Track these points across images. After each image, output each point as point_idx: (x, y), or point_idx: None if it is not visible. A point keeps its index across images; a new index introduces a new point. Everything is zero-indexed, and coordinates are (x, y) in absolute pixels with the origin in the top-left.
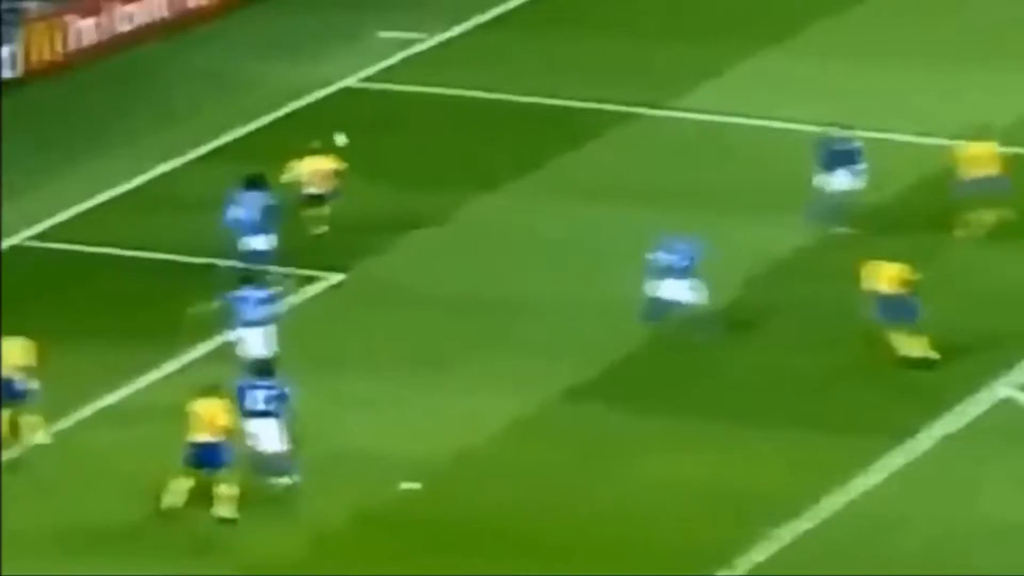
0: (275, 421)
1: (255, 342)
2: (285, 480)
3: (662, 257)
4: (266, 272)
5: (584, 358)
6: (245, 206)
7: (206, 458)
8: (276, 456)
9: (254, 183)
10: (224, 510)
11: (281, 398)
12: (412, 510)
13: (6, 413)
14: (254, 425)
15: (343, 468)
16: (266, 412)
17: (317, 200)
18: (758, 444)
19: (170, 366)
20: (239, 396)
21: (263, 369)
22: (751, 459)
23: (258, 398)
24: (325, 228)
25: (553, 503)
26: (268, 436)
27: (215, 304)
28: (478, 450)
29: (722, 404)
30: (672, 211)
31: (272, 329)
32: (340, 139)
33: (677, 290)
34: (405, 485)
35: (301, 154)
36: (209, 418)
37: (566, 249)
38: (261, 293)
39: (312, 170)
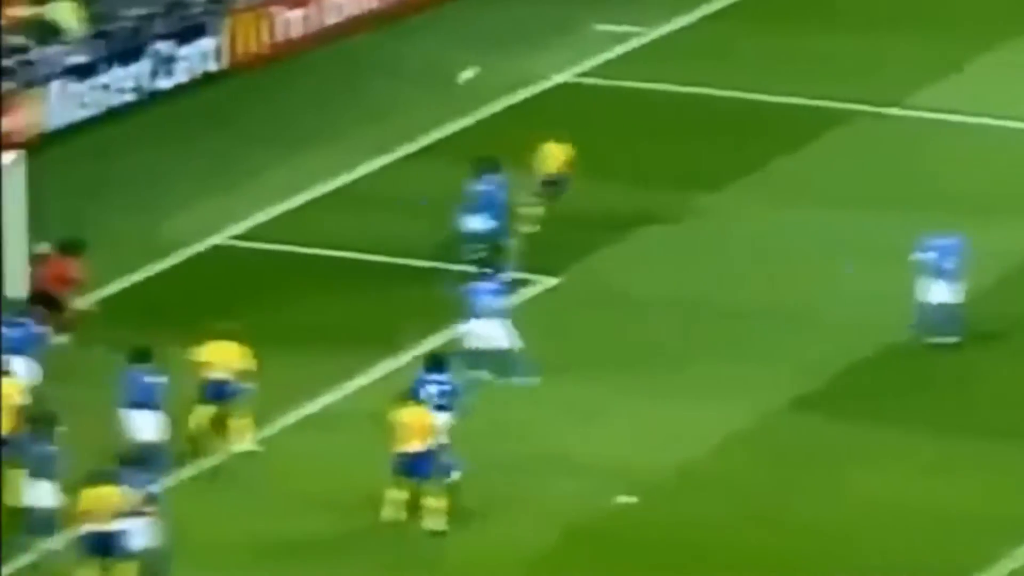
0: (447, 416)
1: (496, 334)
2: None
3: (929, 258)
4: (496, 259)
5: (809, 367)
6: (478, 189)
7: (415, 468)
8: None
9: (488, 167)
10: (434, 522)
11: (453, 393)
12: (627, 524)
13: (211, 412)
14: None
15: (557, 478)
16: (440, 407)
17: (553, 187)
18: (997, 460)
19: (376, 372)
20: (413, 390)
21: (474, 363)
22: (988, 476)
23: (432, 393)
24: (536, 227)
25: (773, 518)
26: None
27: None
28: (696, 463)
29: (959, 417)
30: (903, 214)
31: (508, 321)
32: (467, 74)
33: (943, 292)
34: (621, 499)
35: (524, 147)
36: (418, 426)
37: (789, 253)
38: (493, 284)
39: (550, 156)
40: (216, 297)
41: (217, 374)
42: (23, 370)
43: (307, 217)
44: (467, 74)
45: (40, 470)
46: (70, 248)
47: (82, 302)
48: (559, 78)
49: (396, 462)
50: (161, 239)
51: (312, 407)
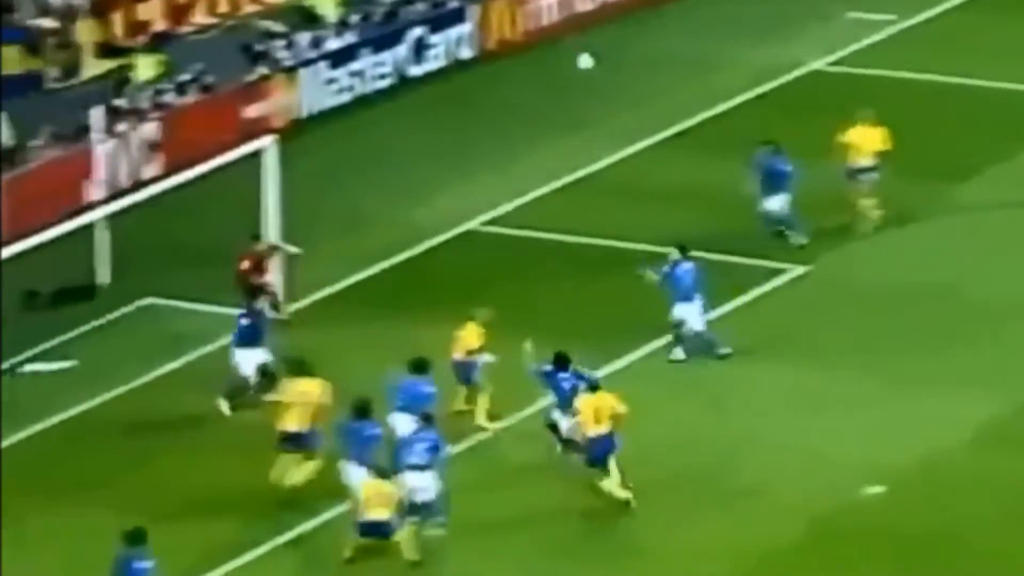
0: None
1: (695, 315)
2: None
3: None
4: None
5: None
6: (766, 168)
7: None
8: None
9: (774, 147)
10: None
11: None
12: (873, 518)
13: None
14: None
15: (800, 469)
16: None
17: (862, 173)
18: None
19: (622, 360)
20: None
21: None
22: None
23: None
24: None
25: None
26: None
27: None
28: (947, 455)
29: None
30: None
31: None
32: (585, 60)
33: None
34: (869, 490)
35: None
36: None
37: None
38: (690, 267)
39: (861, 140)
40: (465, 283)
41: (466, 356)
42: (254, 360)
43: (556, 204)
44: (585, 61)
45: (361, 456)
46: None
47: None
48: (811, 66)
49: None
50: (412, 224)
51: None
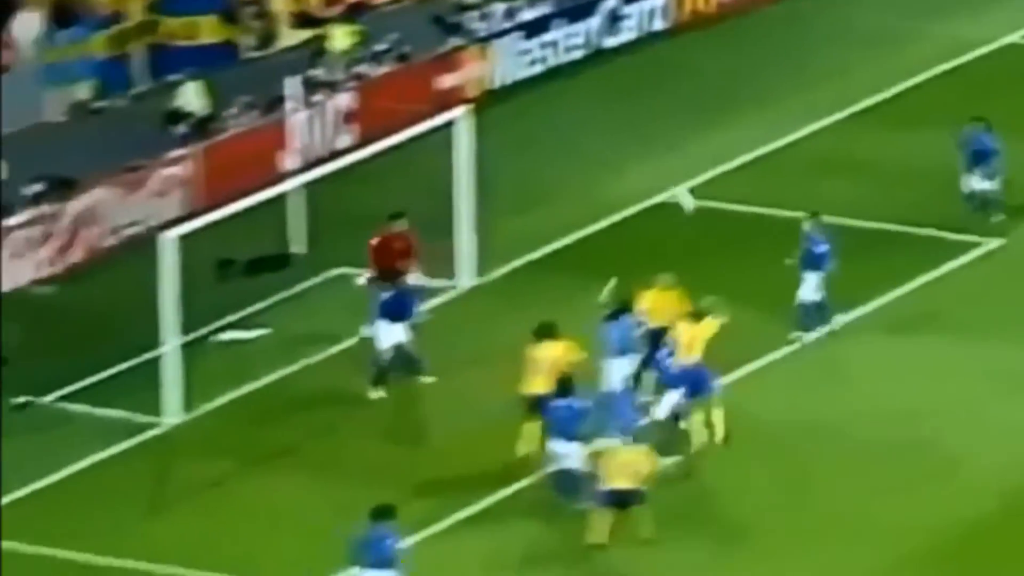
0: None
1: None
2: None
3: None
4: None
5: None
6: (973, 145)
7: None
8: None
9: (985, 124)
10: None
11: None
12: None
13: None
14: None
15: (999, 444)
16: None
17: None
18: None
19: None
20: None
21: None
22: None
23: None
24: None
25: None
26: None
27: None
28: None
29: None
30: None
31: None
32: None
33: None
34: None
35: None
36: None
37: None
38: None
39: None
40: (654, 256)
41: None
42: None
43: (747, 178)
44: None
45: (567, 431)
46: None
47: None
48: (1004, 40)
49: None
50: (602, 197)
51: (749, 368)
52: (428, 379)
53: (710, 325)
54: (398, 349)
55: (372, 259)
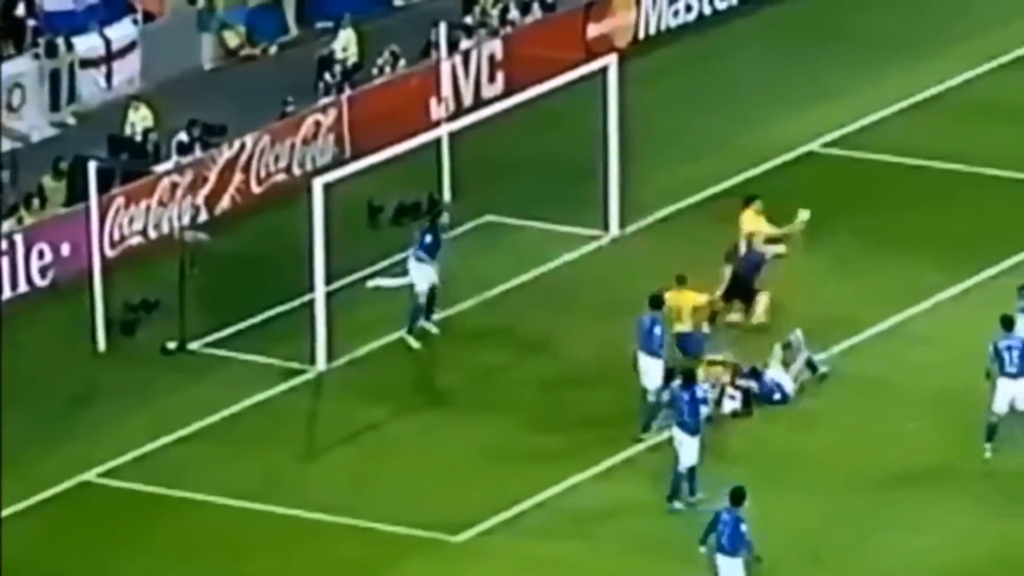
0: None
1: None
2: None
3: None
4: None
5: None
6: None
7: None
8: None
9: None
10: None
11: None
12: None
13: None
14: None
15: None
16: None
17: None
18: None
19: (961, 286)
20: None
21: None
22: None
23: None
24: None
25: None
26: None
27: None
28: None
29: None
30: None
31: None
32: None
33: None
34: None
35: None
36: None
37: None
38: None
39: None
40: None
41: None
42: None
43: (902, 126)
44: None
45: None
46: None
47: None
48: None
49: None
50: (753, 146)
51: (889, 322)
52: (434, 329)
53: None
54: (433, 289)
55: None
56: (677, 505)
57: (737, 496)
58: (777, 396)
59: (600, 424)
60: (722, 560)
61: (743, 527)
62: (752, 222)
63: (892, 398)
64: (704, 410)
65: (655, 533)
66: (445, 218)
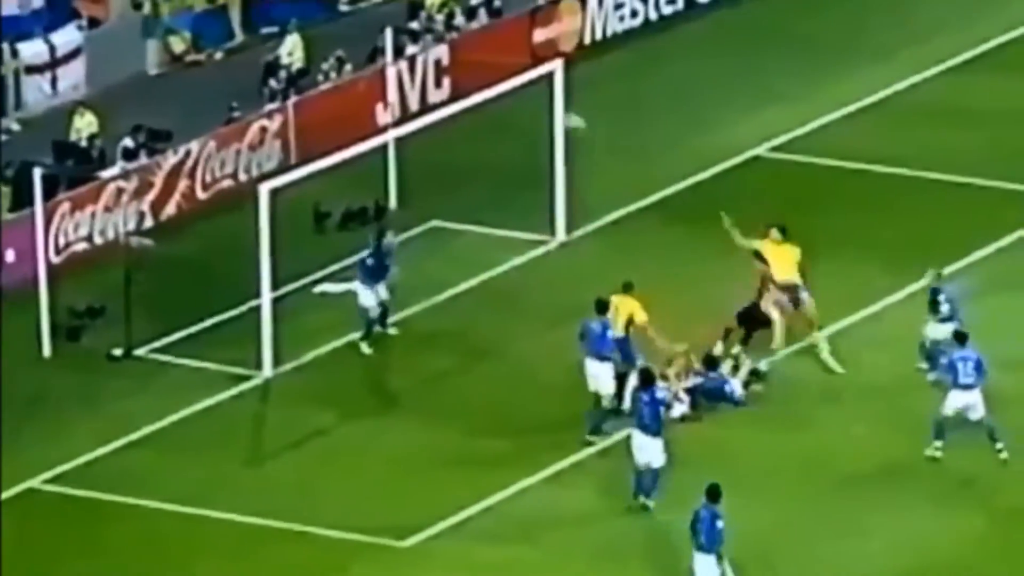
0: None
1: None
2: None
3: None
4: None
5: None
6: None
7: None
8: None
9: None
10: None
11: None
12: None
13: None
14: None
15: None
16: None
17: None
18: None
19: (904, 293)
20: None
21: None
22: None
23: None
24: None
25: None
26: None
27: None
28: None
29: None
30: None
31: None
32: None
33: None
34: None
35: None
36: None
37: None
38: None
39: None
40: (752, 209)
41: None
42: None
43: (847, 131)
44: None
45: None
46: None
47: None
48: None
49: None
50: (699, 151)
51: (836, 326)
52: (393, 331)
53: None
54: (382, 304)
55: None
56: (643, 500)
57: (713, 493)
58: (728, 388)
59: (548, 428)
60: (698, 557)
61: (719, 523)
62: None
63: (840, 401)
64: (663, 411)
65: (604, 538)
66: (390, 237)
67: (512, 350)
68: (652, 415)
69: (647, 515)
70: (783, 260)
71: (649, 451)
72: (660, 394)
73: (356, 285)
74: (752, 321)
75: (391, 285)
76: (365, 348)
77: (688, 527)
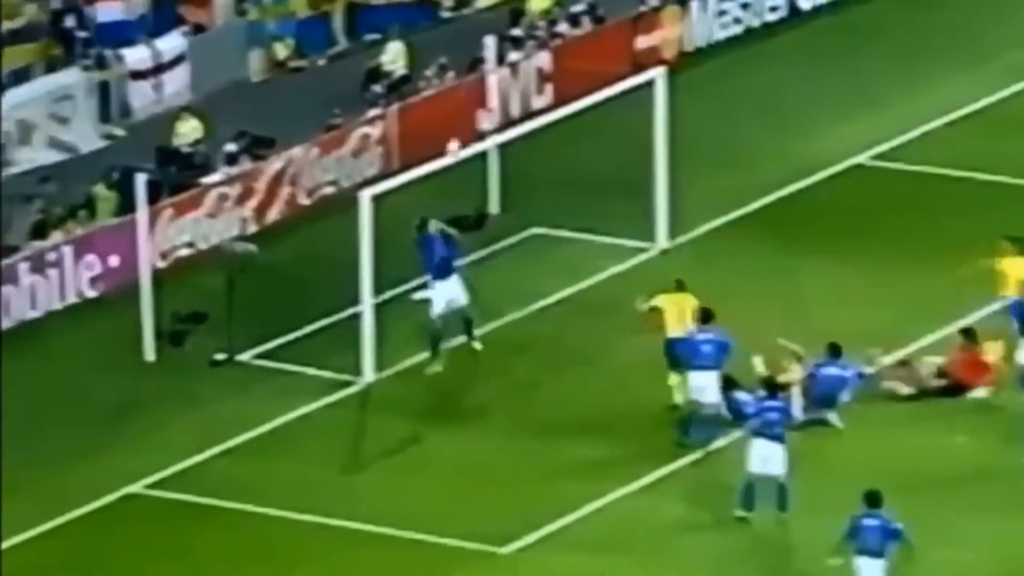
0: None
1: None
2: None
3: None
4: None
5: None
6: None
7: None
8: None
9: None
10: None
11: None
12: None
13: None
14: None
15: None
16: None
17: None
18: None
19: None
20: None
21: None
22: None
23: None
24: None
25: None
26: None
27: None
28: None
29: None
30: None
31: None
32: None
33: None
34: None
35: None
36: None
37: None
38: None
39: None
40: (852, 217)
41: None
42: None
43: (949, 138)
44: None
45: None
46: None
47: None
48: None
49: None
50: (799, 158)
51: (935, 335)
52: (478, 345)
53: None
54: (462, 314)
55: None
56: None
57: (874, 498)
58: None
59: (645, 437)
60: (864, 562)
61: (894, 525)
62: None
63: (936, 411)
64: (785, 418)
65: (701, 548)
66: (432, 226)
67: (610, 358)
68: (777, 423)
69: (745, 525)
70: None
71: (774, 460)
72: (782, 402)
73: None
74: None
75: (467, 288)
76: (437, 367)
77: (844, 535)
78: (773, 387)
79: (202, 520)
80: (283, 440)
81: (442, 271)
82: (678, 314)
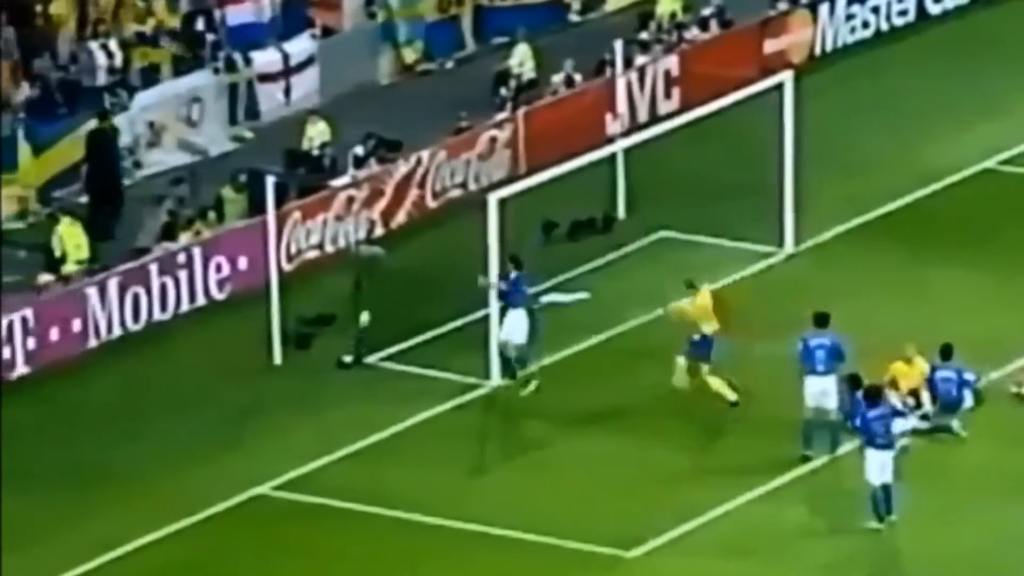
0: None
1: None
2: None
3: None
4: None
5: None
6: None
7: None
8: None
9: None
10: None
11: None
12: None
13: None
14: None
15: None
16: None
17: None
18: None
19: None
20: None
21: None
22: None
23: None
24: None
25: None
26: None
27: None
28: None
29: None
30: None
31: None
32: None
33: None
34: None
35: None
36: None
37: None
38: None
39: None
40: (979, 223)
41: None
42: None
43: None
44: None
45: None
46: None
47: None
48: None
49: None
50: (924, 164)
51: None
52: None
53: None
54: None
55: None
56: (873, 524)
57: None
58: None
59: (771, 443)
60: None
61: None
62: None
63: None
64: (894, 425)
65: (824, 554)
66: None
67: (736, 363)
68: (882, 434)
69: (869, 532)
70: None
71: (887, 469)
72: (895, 407)
73: (584, 295)
74: None
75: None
76: (532, 388)
77: None
78: (874, 395)
79: (328, 522)
80: (410, 443)
81: (512, 302)
82: (703, 312)
